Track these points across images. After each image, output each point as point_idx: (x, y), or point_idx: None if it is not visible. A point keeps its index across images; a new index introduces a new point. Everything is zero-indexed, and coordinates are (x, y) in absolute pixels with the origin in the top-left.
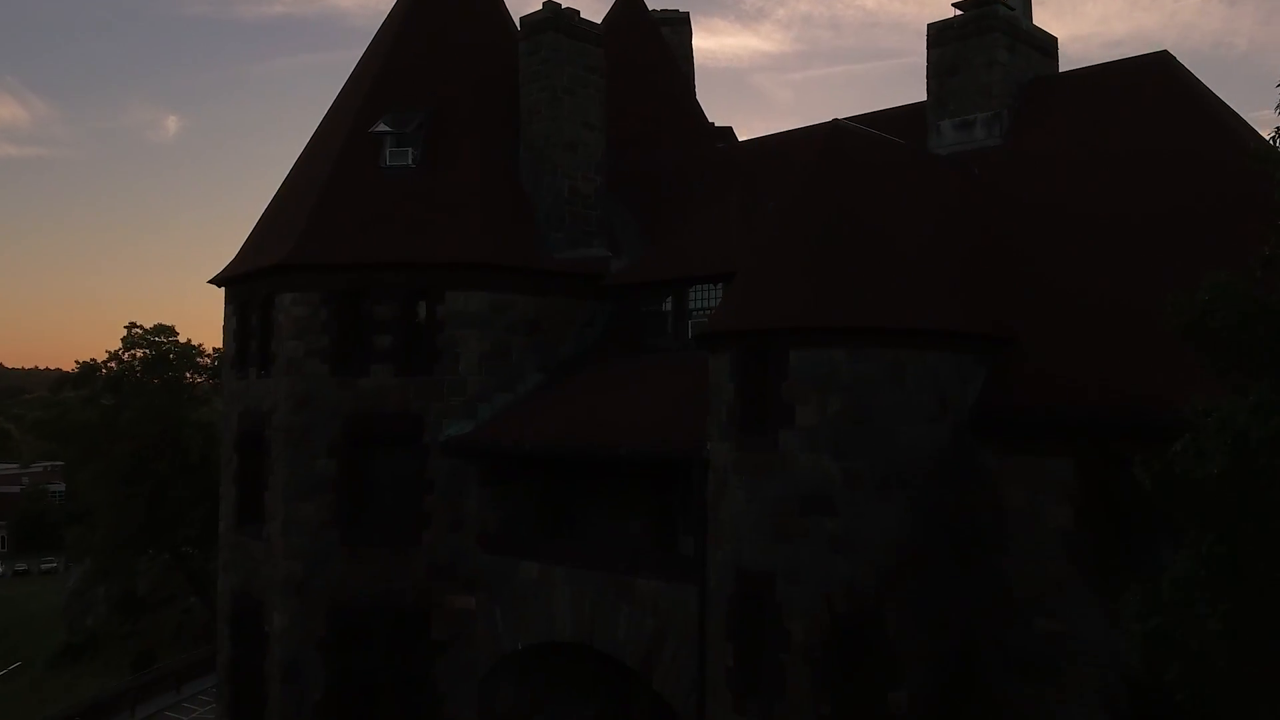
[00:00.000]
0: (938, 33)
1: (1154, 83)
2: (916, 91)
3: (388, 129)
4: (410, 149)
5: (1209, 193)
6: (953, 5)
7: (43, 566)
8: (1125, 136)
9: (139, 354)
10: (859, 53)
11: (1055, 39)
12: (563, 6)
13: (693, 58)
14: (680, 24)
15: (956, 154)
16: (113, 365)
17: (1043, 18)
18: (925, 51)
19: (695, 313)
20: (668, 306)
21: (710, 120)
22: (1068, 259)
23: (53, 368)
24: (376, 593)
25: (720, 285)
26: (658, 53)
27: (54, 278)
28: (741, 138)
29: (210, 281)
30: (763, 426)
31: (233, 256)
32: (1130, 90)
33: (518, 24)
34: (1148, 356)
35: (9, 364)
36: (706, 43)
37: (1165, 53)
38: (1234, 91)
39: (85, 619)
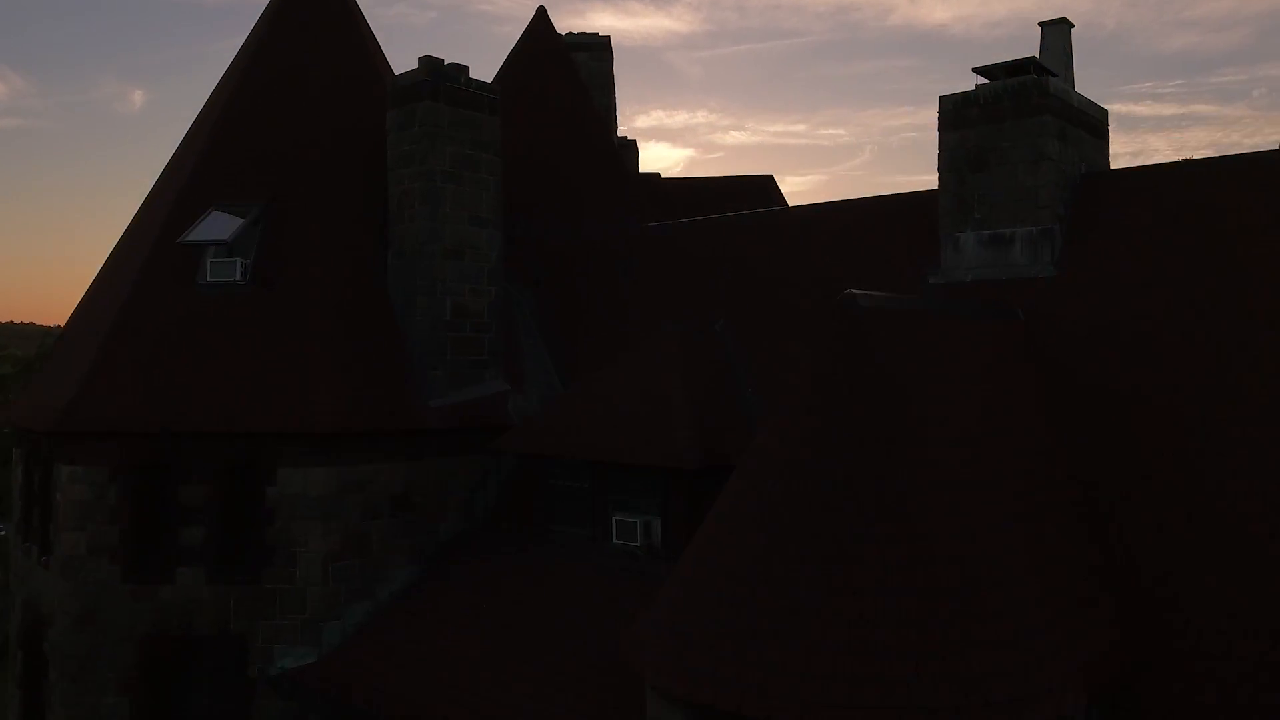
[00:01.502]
0: (955, 111)
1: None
2: (815, 69)
3: (208, 238)
4: (239, 259)
5: None
6: (974, 71)
7: None
8: (1260, 270)
9: None
10: (762, 32)
11: (1105, 112)
12: (445, 63)
13: (614, 86)
14: (599, 49)
15: (985, 282)
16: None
17: (929, 1)
18: (936, 130)
19: (621, 505)
20: (585, 483)
21: (631, 139)
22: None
23: (25, 321)
24: None
25: (657, 478)
26: (574, 96)
27: (30, 237)
28: (656, 114)
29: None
30: None
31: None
32: (1248, 196)
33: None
34: None
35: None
36: (624, 23)
37: None
38: (1105, 66)
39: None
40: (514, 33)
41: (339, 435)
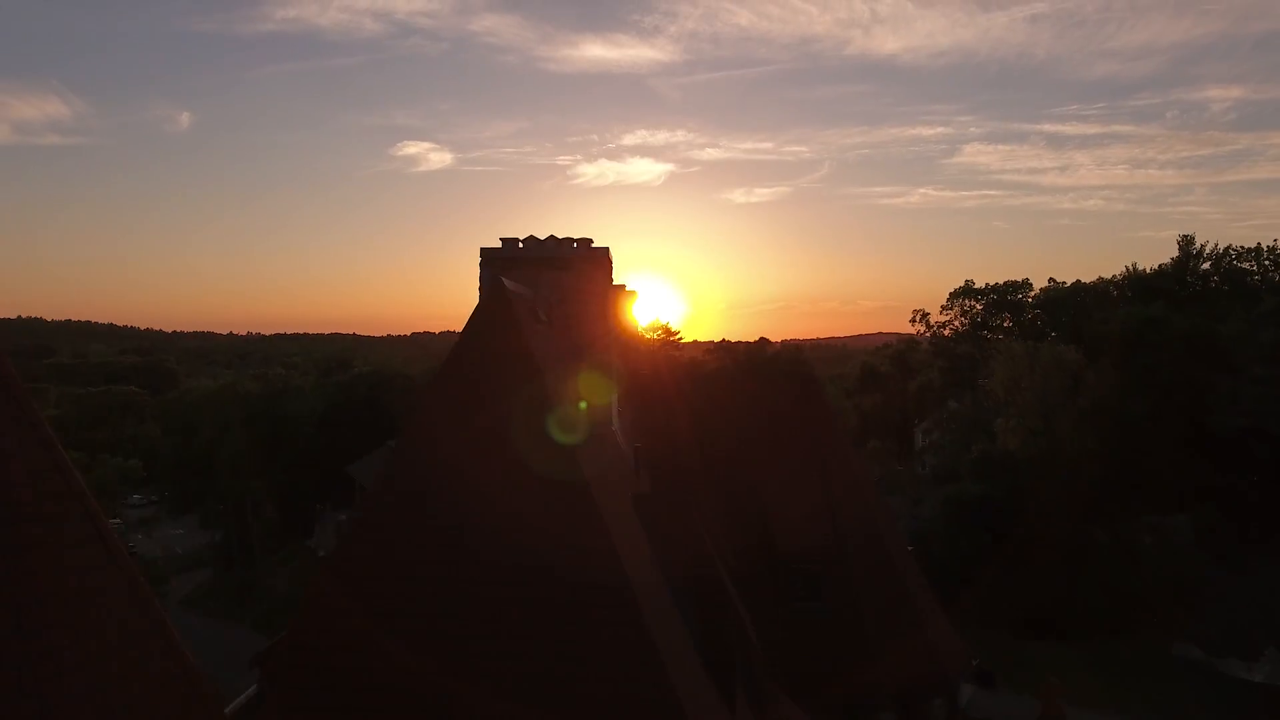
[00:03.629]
0: None
1: None
2: (781, 93)
3: None
4: None
5: None
6: None
7: None
8: None
9: None
10: (734, 61)
11: None
12: None
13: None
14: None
15: None
16: None
17: (881, 34)
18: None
19: None
20: None
21: (631, 289)
22: None
23: (80, 319)
24: None
25: None
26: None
27: (86, 243)
28: (640, 133)
29: None
30: None
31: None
32: None
33: None
34: None
35: (46, 316)
36: (612, 53)
37: None
38: (1036, 90)
39: None
40: (515, 63)
41: None
